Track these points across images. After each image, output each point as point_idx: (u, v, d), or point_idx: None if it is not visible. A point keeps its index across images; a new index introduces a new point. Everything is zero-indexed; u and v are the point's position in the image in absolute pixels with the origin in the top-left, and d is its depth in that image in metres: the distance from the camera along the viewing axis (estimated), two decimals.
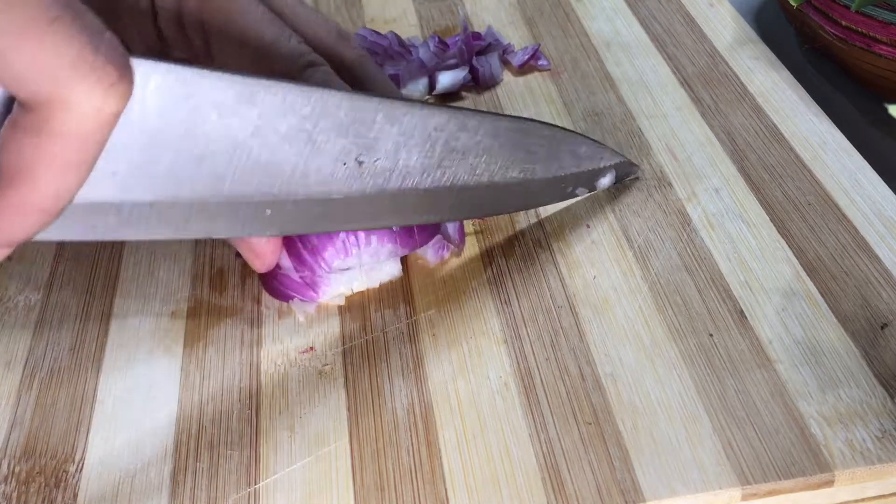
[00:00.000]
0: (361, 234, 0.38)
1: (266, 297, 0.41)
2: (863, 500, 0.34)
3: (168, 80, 0.26)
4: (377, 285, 0.41)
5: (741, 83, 0.53)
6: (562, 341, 0.38)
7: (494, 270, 0.42)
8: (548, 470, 0.33)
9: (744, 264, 0.41)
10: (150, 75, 0.26)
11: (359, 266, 0.39)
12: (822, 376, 0.36)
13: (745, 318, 0.39)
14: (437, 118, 0.34)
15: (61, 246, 0.44)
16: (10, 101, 0.24)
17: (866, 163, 0.46)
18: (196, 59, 0.36)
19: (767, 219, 0.43)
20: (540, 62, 0.55)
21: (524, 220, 0.44)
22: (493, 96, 0.53)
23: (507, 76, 0.55)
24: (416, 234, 0.40)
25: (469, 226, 0.44)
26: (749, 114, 0.50)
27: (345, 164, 0.32)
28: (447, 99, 0.53)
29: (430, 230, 0.41)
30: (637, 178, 0.46)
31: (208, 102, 0.28)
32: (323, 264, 0.38)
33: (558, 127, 0.40)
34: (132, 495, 0.33)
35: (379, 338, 0.39)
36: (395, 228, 0.38)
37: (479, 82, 0.54)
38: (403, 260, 0.42)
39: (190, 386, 0.37)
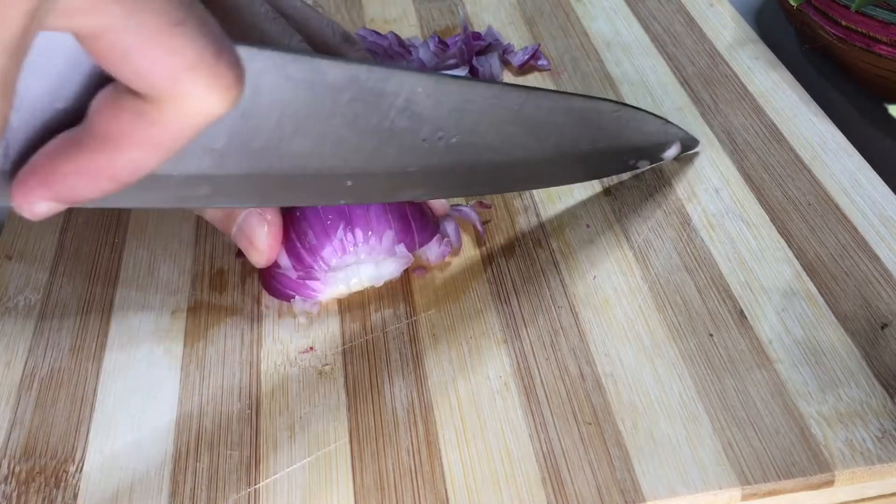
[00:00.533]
0: (360, 233, 0.38)
1: (266, 297, 0.41)
2: (863, 500, 0.34)
3: (268, 65, 0.28)
4: (377, 285, 0.41)
5: (741, 83, 0.53)
6: (562, 341, 0.38)
7: (494, 270, 0.42)
8: (548, 470, 0.33)
9: (744, 264, 0.41)
10: (251, 61, 0.27)
11: (357, 264, 0.39)
12: (822, 376, 0.36)
13: (745, 318, 0.39)
14: (514, 96, 0.36)
15: (61, 246, 0.44)
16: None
17: (866, 163, 0.46)
18: None
19: (767, 219, 0.43)
20: (540, 62, 0.55)
21: (524, 220, 0.44)
22: None
23: (507, 76, 0.55)
24: (415, 233, 0.40)
25: (469, 226, 0.44)
26: (749, 114, 0.50)
27: (424, 140, 0.34)
28: None
29: (431, 230, 0.41)
30: (697, 153, 0.48)
31: (304, 83, 0.29)
32: (321, 262, 0.38)
33: (628, 105, 0.41)
34: (132, 495, 0.33)
35: (379, 338, 0.39)
36: (394, 228, 0.39)
37: None
38: None
39: (190, 386, 0.37)
